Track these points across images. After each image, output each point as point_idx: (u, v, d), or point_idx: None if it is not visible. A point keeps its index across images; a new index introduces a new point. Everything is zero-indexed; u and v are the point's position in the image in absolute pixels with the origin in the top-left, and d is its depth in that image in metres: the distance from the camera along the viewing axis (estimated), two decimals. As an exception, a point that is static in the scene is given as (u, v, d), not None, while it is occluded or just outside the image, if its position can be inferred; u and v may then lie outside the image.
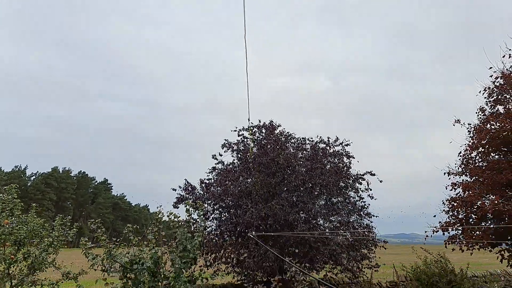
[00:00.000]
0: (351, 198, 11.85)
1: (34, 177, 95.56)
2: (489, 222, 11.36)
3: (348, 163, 12.11)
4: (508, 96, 11.64)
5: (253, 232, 9.49)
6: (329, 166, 11.79)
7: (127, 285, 8.00)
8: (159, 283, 8.29)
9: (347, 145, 12.07)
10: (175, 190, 11.79)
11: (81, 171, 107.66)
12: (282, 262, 10.64)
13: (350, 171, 11.86)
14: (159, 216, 8.81)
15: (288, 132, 12.62)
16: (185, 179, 11.94)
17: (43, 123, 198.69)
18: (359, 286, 14.68)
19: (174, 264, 8.20)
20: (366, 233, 11.34)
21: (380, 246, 11.52)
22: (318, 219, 11.04)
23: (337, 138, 12.15)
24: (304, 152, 12.31)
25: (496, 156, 11.77)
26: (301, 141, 12.59)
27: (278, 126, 12.77)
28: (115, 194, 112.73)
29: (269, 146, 11.64)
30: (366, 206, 11.91)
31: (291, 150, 12.31)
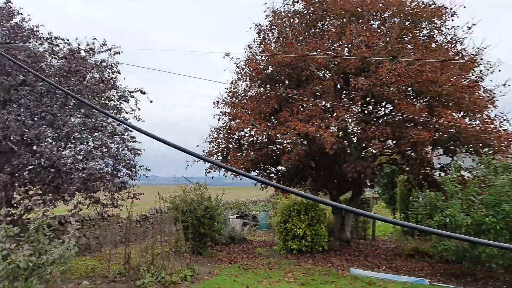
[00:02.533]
0: (114, 114, 9.89)
1: None
2: (245, 150, 12.17)
3: (114, 78, 10.01)
4: (274, 33, 12.38)
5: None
6: (89, 75, 9.36)
7: None
8: None
9: (116, 53, 9.77)
10: None
11: None
12: (12, 192, 7.84)
13: (117, 85, 9.79)
14: None
15: (35, 25, 9.27)
16: None
17: None
18: (107, 221, 13.19)
19: None
20: (131, 155, 9.81)
21: (142, 174, 10.30)
22: (71, 138, 8.61)
23: (105, 42, 9.66)
24: (57, 58, 9.38)
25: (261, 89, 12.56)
26: (53, 40, 9.51)
27: (19, 13, 9.20)
28: None
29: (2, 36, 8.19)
30: (130, 129, 10.26)
31: (40, 49, 9.12)
